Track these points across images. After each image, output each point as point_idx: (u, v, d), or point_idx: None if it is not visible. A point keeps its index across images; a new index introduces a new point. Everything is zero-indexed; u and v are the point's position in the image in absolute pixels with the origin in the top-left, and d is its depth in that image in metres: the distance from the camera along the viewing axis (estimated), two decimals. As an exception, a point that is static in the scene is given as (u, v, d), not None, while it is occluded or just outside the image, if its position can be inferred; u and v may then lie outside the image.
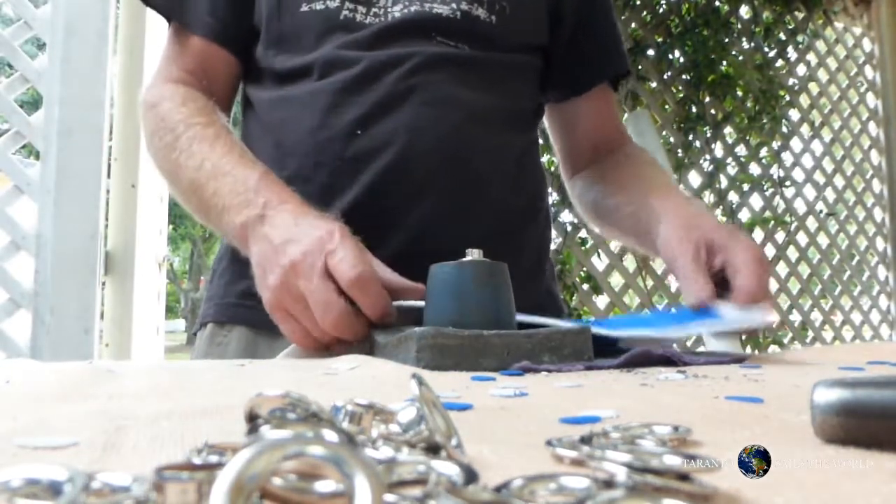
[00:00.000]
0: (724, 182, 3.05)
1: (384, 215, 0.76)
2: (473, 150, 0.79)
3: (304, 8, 0.82)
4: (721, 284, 0.70)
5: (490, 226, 0.79)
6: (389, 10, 0.82)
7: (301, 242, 0.64)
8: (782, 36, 3.24)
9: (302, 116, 0.79)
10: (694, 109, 2.95)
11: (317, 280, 0.62)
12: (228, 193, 0.71)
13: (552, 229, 0.93)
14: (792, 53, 3.28)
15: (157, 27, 1.93)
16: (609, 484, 0.18)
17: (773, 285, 3.13)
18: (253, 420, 0.23)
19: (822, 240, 3.35)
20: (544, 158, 2.66)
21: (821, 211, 3.31)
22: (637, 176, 0.90)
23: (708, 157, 3.02)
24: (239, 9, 0.84)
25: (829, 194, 3.35)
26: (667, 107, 2.96)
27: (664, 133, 2.91)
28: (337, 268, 0.61)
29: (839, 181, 3.39)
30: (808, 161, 3.30)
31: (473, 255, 0.59)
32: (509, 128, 0.86)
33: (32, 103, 3.75)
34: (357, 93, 0.78)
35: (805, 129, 3.33)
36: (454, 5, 0.82)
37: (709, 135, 3.01)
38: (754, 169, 3.16)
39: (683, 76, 2.97)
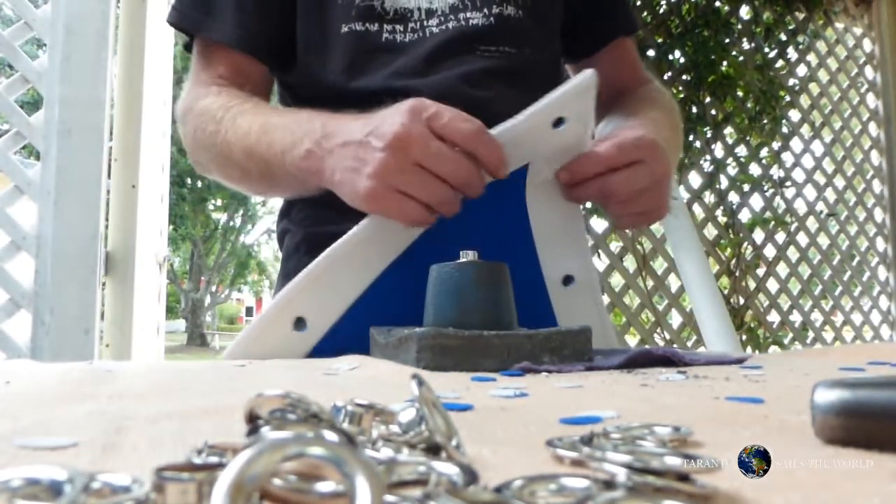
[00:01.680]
0: (724, 182, 3.04)
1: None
2: None
3: (345, 29, 0.83)
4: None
5: None
6: (426, 25, 0.84)
7: (393, 121, 0.61)
8: (783, 36, 3.24)
9: None
10: (694, 110, 2.95)
11: (434, 143, 0.59)
12: (283, 137, 0.69)
13: None
14: (792, 54, 3.28)
15: (157, 27, 1.93)
16: (609, 484, 0.18)
17: (774, 285, 3.14)
18: (253, 420, 0.23)
19: (823, 240, 3.34)
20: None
21: (821, 211, 3.31)
22: (632, 99, 0.93)
23: (708, 157, 3.02)
24: (268, 21, 0.84)
25: (830, 195, 3.35)
26: (667, 107, 2.96)
27: (664, 133, 2.92)
28: (449, 126, 0.60)
29: (840, 181, 3.39)
30: (808, 161, 3.29)
31: (468, 256, 0.59)
32: None
33: (32, 104, 3.76)
34: None
35: (805, 130, 3.32)
36: (486, 10, 0.84)
37: (709, 135, 3.01)
38: (755, 169, 3.16)
39: (684, 77, 2.97)
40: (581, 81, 0.67)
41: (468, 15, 0.84)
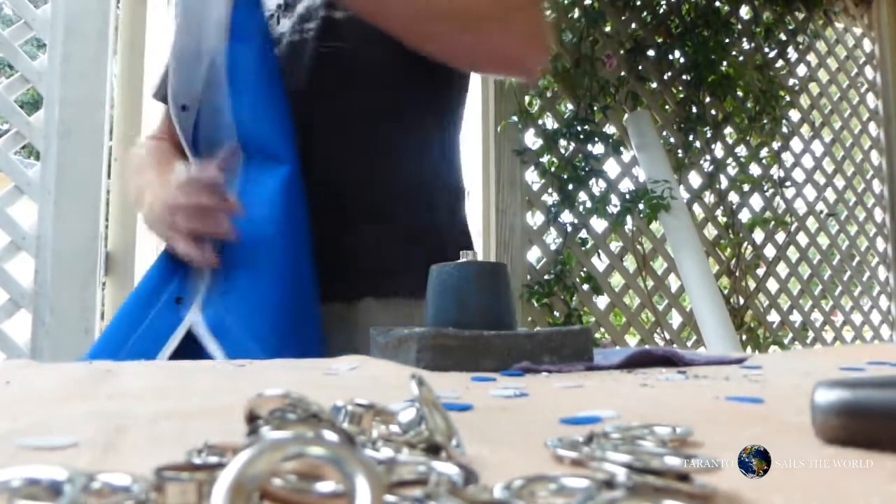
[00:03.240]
0: (724, 182, 3.04)
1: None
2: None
3: None
4: None
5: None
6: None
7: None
8: (782, 36, 3.24)
9: None
10: (694, 110, 2.95)
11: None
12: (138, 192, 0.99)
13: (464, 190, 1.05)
14: (792, 54, 3.28)
15: (157, 27, 1.93)
16: (609, 484, 0.18)
17: (774, 285, 3.14)
18: (253, 420, 0.23)
19: (823, 240, 3.34)
20: (544, 158, 2.66)
21: (821, 211, 3.31)
22: None
23: (708, 157, 3.02)
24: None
25: (830, 195, 3.35)
26: (667, 107, 2.96)
27: (664, 133, 2.91)
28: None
29: (839, 181, 3.39)
30: (808, 161, 3.29)
31: (469, 255, 0.59)
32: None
33: (32, 104, 3.76)
34: None
35: (805, 130, 3.32)
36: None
37: (709, 135, 3.01)
38: (755, 169, 3.16)
39: (684, 77, 2.96)
40: None
41: (308, 25, 0.94)
